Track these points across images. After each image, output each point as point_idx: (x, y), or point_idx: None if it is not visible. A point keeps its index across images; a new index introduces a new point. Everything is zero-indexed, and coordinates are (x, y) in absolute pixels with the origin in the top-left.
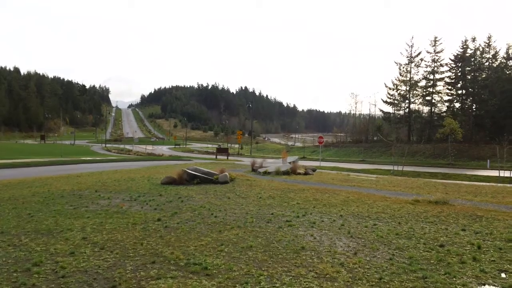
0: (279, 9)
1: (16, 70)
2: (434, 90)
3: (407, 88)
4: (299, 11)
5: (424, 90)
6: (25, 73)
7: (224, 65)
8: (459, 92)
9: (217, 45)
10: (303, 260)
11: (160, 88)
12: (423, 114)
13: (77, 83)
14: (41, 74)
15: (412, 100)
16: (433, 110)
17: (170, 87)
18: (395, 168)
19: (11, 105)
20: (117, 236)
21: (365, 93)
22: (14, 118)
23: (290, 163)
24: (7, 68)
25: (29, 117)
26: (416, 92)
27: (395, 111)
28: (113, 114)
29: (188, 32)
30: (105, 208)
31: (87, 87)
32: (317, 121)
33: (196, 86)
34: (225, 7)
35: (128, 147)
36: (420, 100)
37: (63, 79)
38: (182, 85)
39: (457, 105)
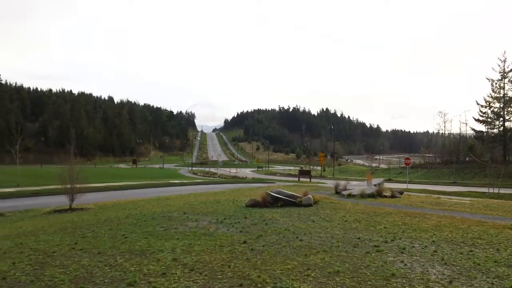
0: (359, 29)
1: (110, 99)
2: None
3: (501, 105)
4: (379, 30)
5: None
6: (118, 101)
7: (305, 88)
8: None
9: (299, 69)
10: (394, 287)
11: (243, 112)
12: None
13: (165, 110)
14: (132, 102)
15: (507, 117)
16: None
17: (252, 110)
18: (491, 190)
19: (106, 132)
20: (205, 258)
21: (454, 111)
22: (108, 144)
23: (375, 185)
24: (102, 98)
25: (122, 142)
26: (511, 109)
27: (489, 129)
28: (198, 138)
29: (270, 58)
30: (193, 229)
31: (175, 113)
32: (402, 141)
33: (277, 109)
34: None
35: (213, 170)
36: None
37: (153, 106)
38: (264, 109)
39: None
